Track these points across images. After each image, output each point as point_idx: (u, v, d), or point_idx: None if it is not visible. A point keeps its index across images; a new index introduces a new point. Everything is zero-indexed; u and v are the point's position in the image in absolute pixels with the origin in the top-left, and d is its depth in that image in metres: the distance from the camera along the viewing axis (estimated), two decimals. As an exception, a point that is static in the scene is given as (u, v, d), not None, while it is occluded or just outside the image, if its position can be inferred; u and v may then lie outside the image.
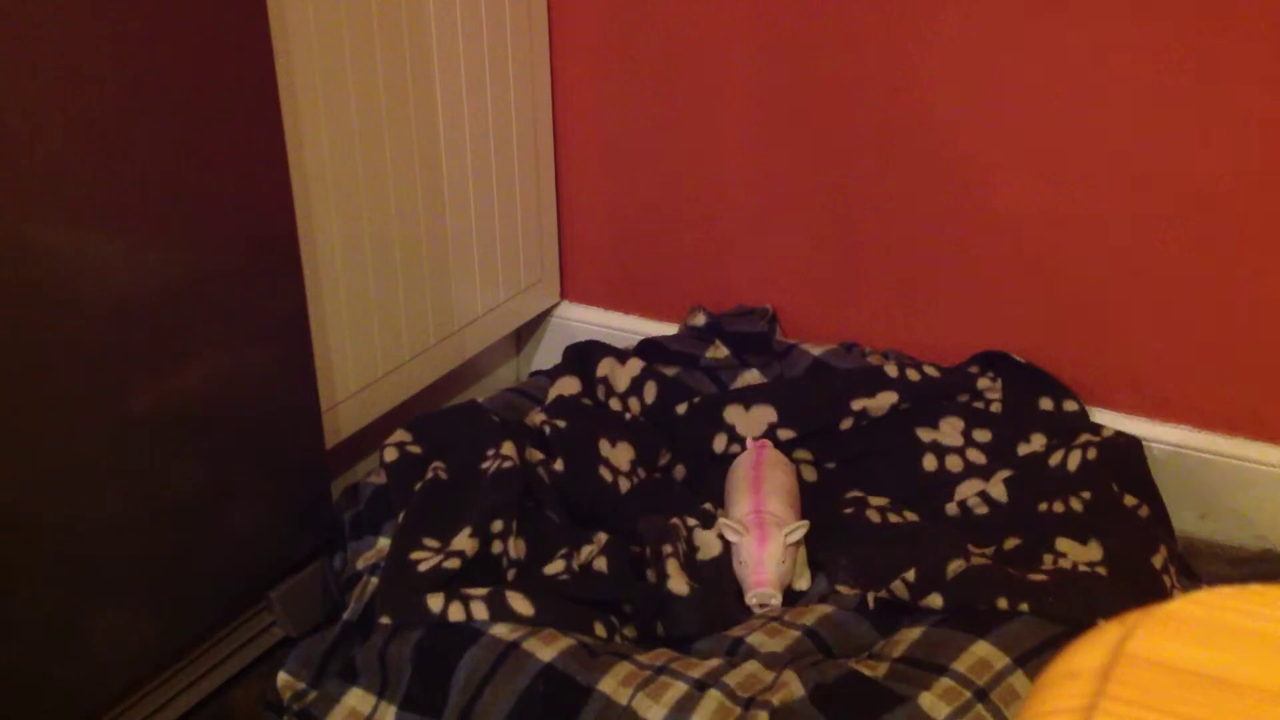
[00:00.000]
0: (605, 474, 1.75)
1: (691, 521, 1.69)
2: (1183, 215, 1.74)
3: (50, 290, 1.25)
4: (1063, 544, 1.59)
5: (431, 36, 1.77)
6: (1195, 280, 1.76)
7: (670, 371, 1.96)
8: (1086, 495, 1.67)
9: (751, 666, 1.41)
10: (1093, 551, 1.56)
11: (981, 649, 1.39)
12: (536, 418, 1.83)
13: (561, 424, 1.79)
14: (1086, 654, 0.58)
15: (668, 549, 1.59)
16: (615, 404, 1.90)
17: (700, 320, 2.04)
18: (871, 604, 1.52)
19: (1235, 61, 1.65)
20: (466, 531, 1.57)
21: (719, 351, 1.97)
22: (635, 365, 1.93)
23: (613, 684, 1.38)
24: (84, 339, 1.29)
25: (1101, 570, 1.52)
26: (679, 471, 1.85)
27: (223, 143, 1.40)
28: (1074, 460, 1.75)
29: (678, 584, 1.55)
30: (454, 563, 1.52)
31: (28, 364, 1.24)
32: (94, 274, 1.29)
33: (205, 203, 1.39)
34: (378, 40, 1.68)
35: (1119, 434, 1.80)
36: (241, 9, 1.38)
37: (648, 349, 1.98)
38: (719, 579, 1.61)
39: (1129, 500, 1.69)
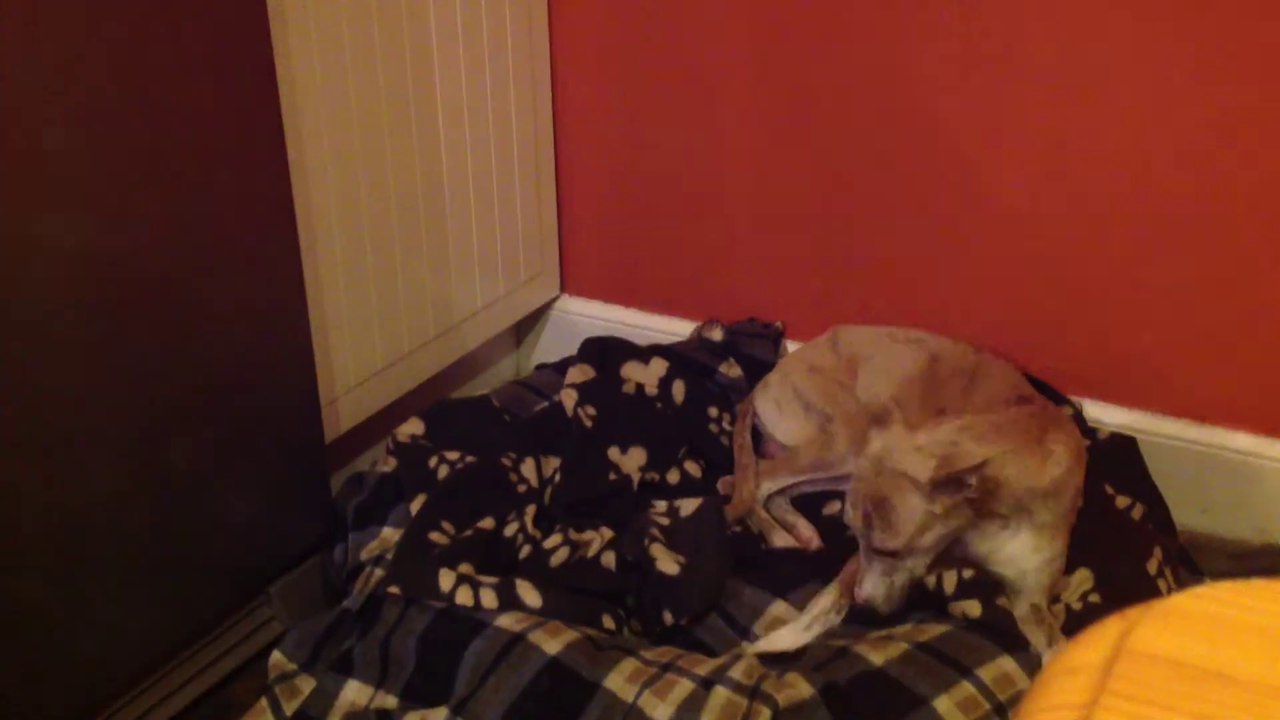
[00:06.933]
0: (613, 476, 1.76)
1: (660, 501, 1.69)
2: (1184, 211, 1.74)
3: (51, 282, 1.25)
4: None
5: (431, 32, 1.77)
6: (1197, 276, 1.76)
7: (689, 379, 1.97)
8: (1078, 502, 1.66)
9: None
10: (1083, 579, 1.55)
11: (1007, 663, 1.40)
12: (568, 400, 1.85)
13: (591, 411, 1.81)
14: (1088, 649, 0.58)
15: (646, 539, 1.59)
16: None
17: (718, 335, 2.05)
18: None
19: (1235, 61, 1.64)
20: (485, 522, 1.60)
21: (733, 370, 1.98)
22: (660, 365, 1.94)
23: (619, 680, 1.37)
24: (84, 331, 1.29)
25: (1095, 598, 1.52)
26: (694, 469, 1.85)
27: (223, 139, 1.39)
28: None
29: (666, 564, 1.55)
30: (468, 535, 1.55)
31: (27, 358, 1.24)
32: (95, 267, 1.29)
33: (206, 198, 1.39)
34: (378, 39, 1.68)
35: (1113, 435, 1.80)
36: (241, 9, 1.38)
37: (666, 355, 1.98)
38: (701, 538, 1.61)
39: (1121, 501, 1.69)
